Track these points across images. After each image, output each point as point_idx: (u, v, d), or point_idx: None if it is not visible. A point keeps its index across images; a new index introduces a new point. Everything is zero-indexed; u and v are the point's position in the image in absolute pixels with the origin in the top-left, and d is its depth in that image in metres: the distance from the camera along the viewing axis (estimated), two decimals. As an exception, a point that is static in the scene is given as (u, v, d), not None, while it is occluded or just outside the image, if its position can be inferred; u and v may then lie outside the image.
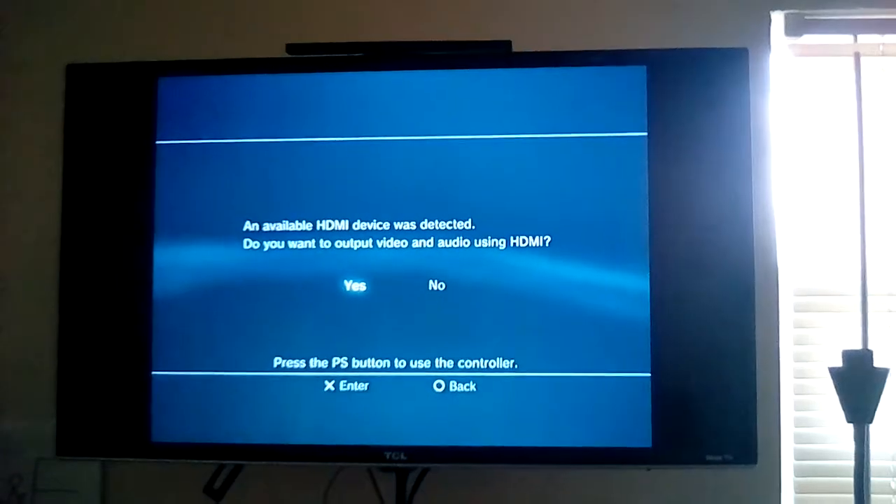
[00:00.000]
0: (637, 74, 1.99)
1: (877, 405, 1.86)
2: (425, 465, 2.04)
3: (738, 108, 1.97)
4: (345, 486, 2.13)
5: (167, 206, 2.04)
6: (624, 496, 2.22)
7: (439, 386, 1.97)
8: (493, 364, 1.96)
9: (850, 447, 1.88)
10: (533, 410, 1.96)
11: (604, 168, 1.98)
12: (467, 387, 1.97)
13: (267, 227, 2.02)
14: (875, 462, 2.10)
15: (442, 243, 1.99)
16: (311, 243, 2.01)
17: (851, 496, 1.87)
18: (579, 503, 2.23)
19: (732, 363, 1.94)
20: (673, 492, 2.19)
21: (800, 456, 2.25)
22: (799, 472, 2.25)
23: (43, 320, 2.13)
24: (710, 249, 1.96)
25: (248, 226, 2.02)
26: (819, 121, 2.31)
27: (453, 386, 1.97)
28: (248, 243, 2.02)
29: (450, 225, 1.99)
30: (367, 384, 1.98)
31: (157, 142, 2.05)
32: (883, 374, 1.86)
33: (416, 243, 1.99)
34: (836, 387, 1.89)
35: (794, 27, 2.30)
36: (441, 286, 1.98)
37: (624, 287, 1.95)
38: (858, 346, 2.16)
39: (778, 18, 2.29)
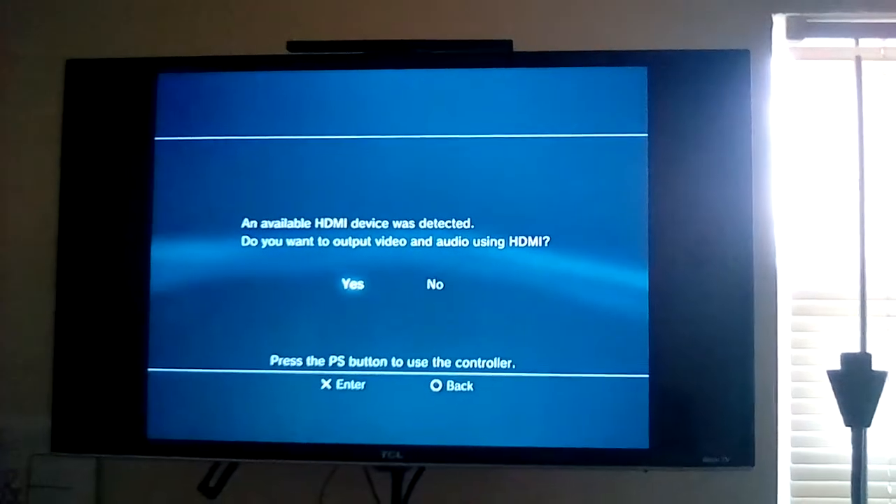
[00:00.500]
0: (638, 75, 1.99)
1: (875, 409, 1.86)
2: (421, 465, 2.03)
3: (739, 111, 1.97)
4: (341, 484, 2.13)
5: (165, 202, 2.03)
6: (621, 498, 2.21)
7: (436, 385, 1.97)
8: (490, 364, 1.96)
9: (847, 450, 1.88)
10: (530, 411, 1.95)
11: (604, 169, 1.98)
12: (464, 386, 1.96)
13: (265, 224, 2.02)
14: (872, 466, 2.10)
15: (441, 242, 1.99)
16: (310, 241, 2.01)
17: (848, 500, 1.87)
18: (576, 504, 2.23)
19: (731, 365, 1.94)
20: (670, 493, 2.19)
21: (797, 459, 2.25)
22: (796, 475, 2.25)
23: (39, 316, 2.13)
24: (709, 252, 1.96)
25: (246, 223, 2.02)
26: (820, 124, 2.31)
27: (450, 385, 1.96)
28: (246, 240, 2.02)
29: (449, 224, 1.99)
30: (363, 383, 1.98)
31: (156, 138, 2.05)
32: (881, 377, 1.86)
33: (415, 242, 1.99)
34: (834, 390, 1.89)
35: (796, 30, 2.30)
36: (439, 285, 1.98)
37: (622, 288, 1.95)
38: (857, 349, 2.16)
39: (779, 21, 2.29)
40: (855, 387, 1.87)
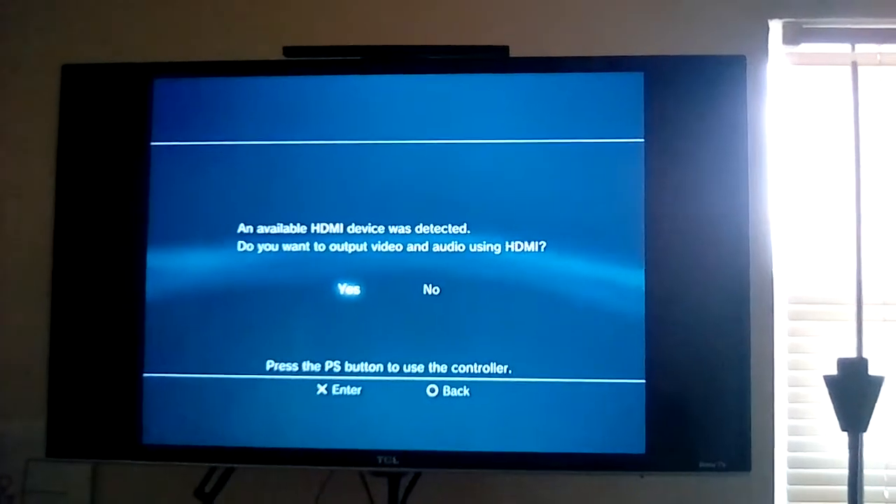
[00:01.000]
0: (634, 81, 1.99)
1: (871, 414, 1.86)
2: (417, 470, 2.03)
3: (736, 116, 1.97)
4: (337, 490, 2.12)
5: (161, 207, 2.03)
6: (617, 503, 2.21)
7: (433, 390, 1.97)
8: (486, 369, 1.96)
9: (843, 455, 1.88)
10: (526, 416, 1.95)
11: (600, 174, 1.98)
12: (461, 391, 1.96)
13: (261, 229, 2.01)
14: (868, 471, 2.09)
15: (437, 247, 1.99)
16: (306, 246, 2.00)
17: (845, 504, 1.87)
18: (572, 510, 2.23)
19: (727, 370, 1.94)
20: (666, 499, 2.18)
21: (793, 464, 2.25)
22: (792, 480, 2.25)
23: (35, 321, 2.12)
24: (705, 257, 1.96)
25: (242, 228, 2.02)
26: (816, 129, 2.32)
27: (447, 390, 1.96)
28: (242, 245, 2.02)
29: (445, 229, 1.99)
30: (360, 388, 1.97)
31: (152, 143, 2.04)
32: (877, 382, 1.86)
33: (411, 247, 1.99)
34: (830, 395, 1.89)
35: (792, 36, 2.30)
36: (435, 290, 1.98)
37: (619, 293, 1.95)
38: (853, 354, 2.16)
39: (776, 27, 2.30)
40: (851, 392, 1.87)
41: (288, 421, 1.99)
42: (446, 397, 1.96)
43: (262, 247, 2.01)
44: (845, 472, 1.87)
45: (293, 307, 2.00)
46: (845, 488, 1.88)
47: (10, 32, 2.38)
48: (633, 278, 1.95)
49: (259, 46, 2.14)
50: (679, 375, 1.94)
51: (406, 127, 2.02)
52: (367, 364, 1.97)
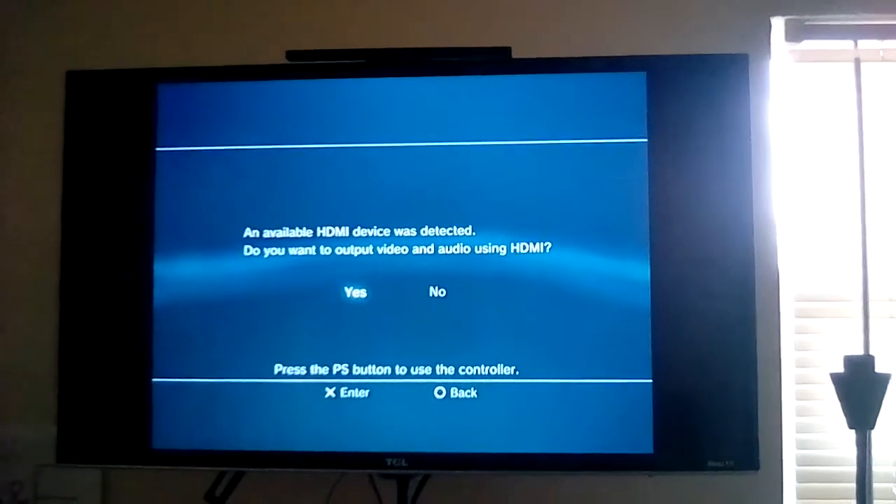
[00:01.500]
0: (637, 80, 1.99)
1: (878, 411, 1.86)
2: (426, 472, 2.03)
3: (739, 114, 1.97)
4: (346, 492, 2.12)
5: (167, 212, 2.04)
6: (626, 503, 2.21)
7: (440, 392, 1.97)
8: (494, 370, 1.96)
9: (851, 453, 1.88)
10: (534, 417, 1.96)
11: (604, 174, 1.98)
12: (468, 393, 1.96)
13: (267, 233, 2.02)
14: (877, 468, 2.10)
15: (442, 250, 1.99)
16: (312, 250, 2.01)
17: (853, 502, 1.87)
18: (581, 510, 2.23)
19: (734, 369, 1.94)
20: (675, 498, 2.18)
21: (802, 461, 2.25)
22: (801, 478, 2.25)
23: (44, 326, 2.13)
24: (711, 256, 1.96)
25: (248, 232, 2.02)
26: (819, 126, 2.31)
27: (454, 392, 1.97)
28: (248, 250, 2.02)
29: (450, 231, 1.99)
30: (367, 391, 1.98)
31: (157, 149, 2.05)
32: (884, 379, 1.86)
33: (417, 250, 1.99)
34: (837, 392, 1.89)
35: (795, 33, 2.30)
36: (442, 293, 1.98)
37: (625, 293, 1.95)
38: (860, 351, 2.16)
39: (778, 24, 2.29)
40: (859, 389, 1.87)
41: (297, 424, 1.99)
42: (454, 399, 1.96)
43: (268, 251, 2.01)
44: (854, 469, 1.87)
45: (300, 311, 2.00)
46: (854, 485, 1.88)
47: (14, 39, 2.38)
48: (639, 278, 1.95)
49: (262, 51, 2.14)
50: (686, 375, 1.94)
51: (410, 129, 2.02)
52: (374, 367, 1.98)
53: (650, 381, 1.93)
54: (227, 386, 2.00)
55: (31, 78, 2.36)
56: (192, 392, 2.01)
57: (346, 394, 1.98)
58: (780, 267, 2.22)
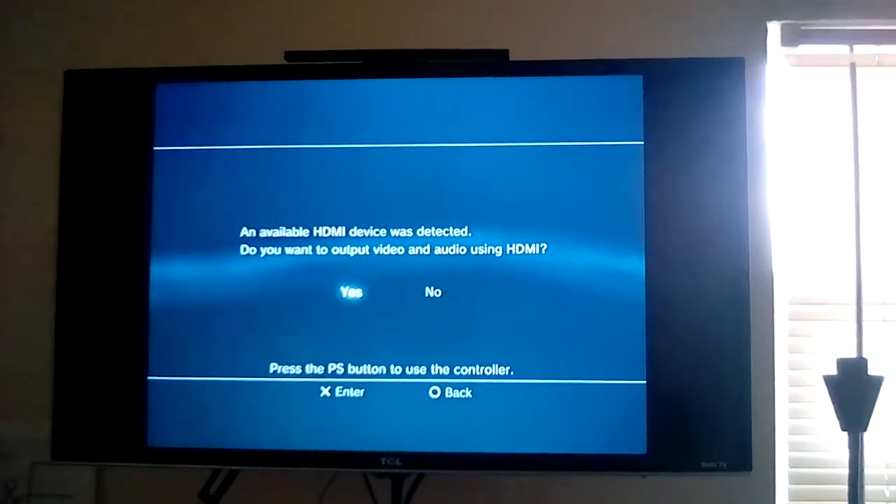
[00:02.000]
0: (633, 83, 2.00)
1: (871, 413, 1.87)
2: (420, 471, 2.04)
3: (735, 118, 1.98)
4: (341, 491, 2.13)
5: (164, 211, 2.04)
6: (619, 503, 2.22)
7: (435, 392, 1.98)
8: (488, 370, 1.97)
9: (844, 455, 1.89)
10: (528, 417, 1.96)
11: (600, 176, 1.99)
12: (463, 393, 1.97)
13: (264, 233, 2.02)
14: (869, 470, 2.10)
15: (438, 250, 2.00)
16: (308, 250, 2.01)
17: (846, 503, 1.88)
18: (574, 510, 2.24)
19: (728, 371, 1.95)
20: (668, 498, 2.19)
21: (794, 463, 2.26)
22: (793, 480, 2.26)
23: (40, 324, 2.13)
24: (705, 258, 1.97)
25: (244, 232, 2.03)
26: (815, 131, 2.32)
27: (449, 392, 1.97)
28: (244, 249, 2.03)
29: (446, 232, 2.00)
30: (363, 390, 1.99)
31: (155, 148, 2.06)
32: (877, 382, 1.87)
33: (413, 250, 2.00)
34: (830, 395, 1.90)
35: (791, 37, 2.31)
36: (437, 293, 1.99)
37: (620, 295, 1.96)
38: (853, 354, 2.17)
39: (774, 29, 2.30)
40: (851, 391, 1.87)
41: (291, 423, 2.00)
42: (449, 399, 1.97)
43: (264, 250, 2.02)
44: (846, 471, 1.88)
45: (296, 310, 2.01)
46: (846, 487, 1.88)
47: (13, 38, 2.39)
48: (634, 280, 1.96)
49: (260, 51, 2.14)
50: (680, 376, 1.95)
51: (407, 130, 2.03)
52: (369, 366, 1.98)
53: (644, 382, 1.94)
54: (222, 384, 2.01)
55: (30, 77, 2.36)
56: (188, 390, 2.01)
57: (342, 393, 1.99)
58: (774, 270, 2.23)
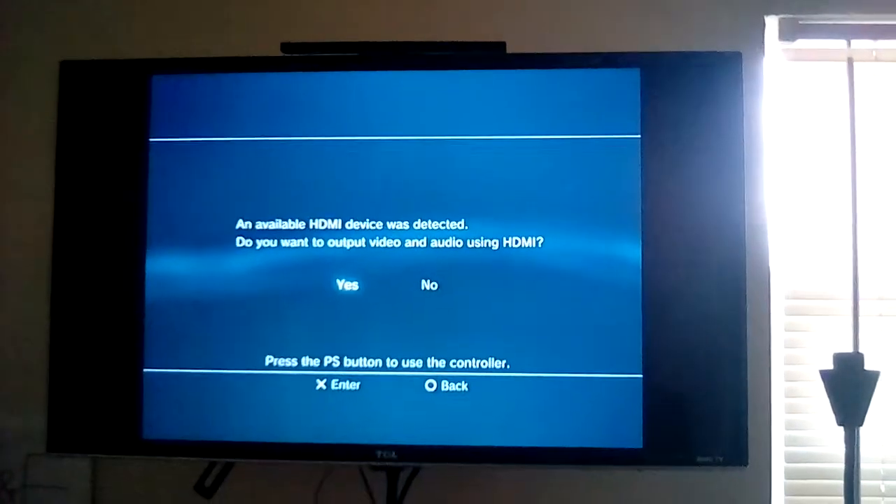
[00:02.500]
0: (631, 77, 2.00)
1: (867, 408, 1.86)
2: (416, 465, 2.04)
3: (732, 112, 1.98)
4: (336, 484, 2.13)
5: (160, 203, 2.04)
6: (615, 497, 2.22)
7: (431, 385, 1.97)
8: (485, 364, 1.97)
9: (840, 450, 1.89)
10: (524, 411, 1.96)
11: (597, 170, 1.99)
12: (459, 386, 1.97)
13: (260, 225, 2.02)
14: (865, 465, 2.11)
15: (435, 243, 1.99)
16: (304, 242, 2.01)
17: (841, 498, 1.87)
18: (570, 504, 2.24)
19: (724, 365, 1.95)
20: (664, 492, 2.19)
21: (790, 458, 2.26)
22: (789, 474, 2.26)
23: (35, 316, 2.13)
24: (702, 252, 1.97)
25: (240, 224, 2.02)
26: (812, 125, 2.32)
27: (445, 385, 1.97)
28: (240, 241, 2.02)
29: (443, 225, 1.99)
30: (358, 383, 1.98)
31: (151, 139, 2.05)
32: (873, 377, 1.87)
33: (409, 243, 2.00)
34: (826, 389, 1.89)
35: (788, 31, 2.30)
36: (433, 286, 1.98)
37: (616, 289, 1.96)
38: (849, 349, 2.17)
39: (772, 23, 2.30)
40: (847, 386, 1.87)
41: (287, 416, 1.99)
42: (445, 392, 1.97)
43: (260, 242, 2.02)
44: (842, 466, 1.88)
45: (292, 303, 2.00)
46: (842, 482, 1.88)
47: (7, 29, 2.38)
48: (631, 274, 1.96)
49: (257, 42, 2.14)
50: (676, 370, 1.95)
51: (404, 123, 2.02)
52: (365, 359, 1.98)
53: (640, 376, 1.94)
54: (217, 377, 2.00)
55: (25, 68, 2.35)
56: (183, 383, 2.01)
57: (337, 386, 1.98)
58: (770, 265, 2.23)
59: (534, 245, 1.98)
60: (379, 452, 1.96)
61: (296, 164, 2.03)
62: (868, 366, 1.87)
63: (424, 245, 1.99)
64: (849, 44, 2.32)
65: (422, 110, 2.02)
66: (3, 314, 2.31)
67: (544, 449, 1.96)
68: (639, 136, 1.98)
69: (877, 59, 2.32)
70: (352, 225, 2.00)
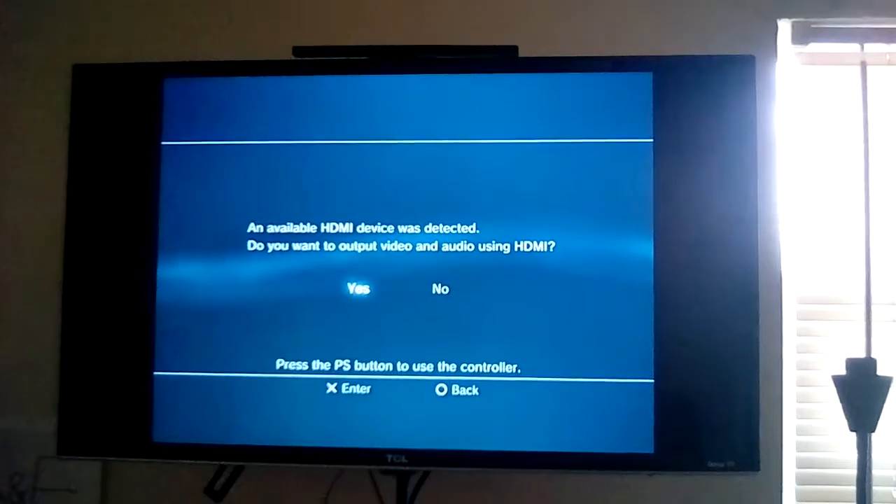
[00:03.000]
0: (643, 81, 1.99)
1: (880, 414, 1.86)
2: (426, 469, 2.03)
3: (744, 116, 1.97)
4: (346, 488, 2.13)
5: (172, 206, 2.04)
6: (626, 502, 2.21)
7: (441, 389, 1.97)
8: (496, 368, 1.96)
9: (852, 456, 1.88)
10: (535, 415, 1.96)
11: (609, 174, 1.98)
12: (470, 391, 1.96)
13: (271, 229, 2.02)
14: (877, 471, 2.09)
15: (446, 247, 1.99)
16: (316, 246, 2.01)
17: (854, 504, 1.87)
18: (580, 509, 2.23)
19: (736, 370, 1.94)
20: (675, 498, 2.19)
21: (802, 464, 2.25)
22: (801, 480, 2.25)
23: (46, 319, 2.13)
24: (714, 257, 1.96)
25: (252, 227, 2.03)
26: (825, 129, 2.31)
27: (456, 390, 1.97)
28: (252, 245, 2.02)
29: (454, 229, 1.99)
30: (369, 387, 1.98)
31: (163, 143, 2.05)
32: (886, 382, 1.86)
33: (421, 247, 1.99)
34: (839, 395, 1.89)
35: (801, 35, 2.30)
36: (445, 290, 1.98)
37: (627, 294, 1.95)
38: (862, 354, 2.16)
39: (785, 26, 2.29)
40: (860, 392, 1.87)
41: (297, 419, 1.99)
42: (455, 396, 1.97)
43: (272, 246, 2.02)
44: (854, 472, 1.87)
45: (303, 306, 2.00)
46: (854, 488, 1.88)
47: (20, 33, 2.39)
48: (642, 279, 1.95)
49: (269, 46, 2.14)
50: (688, 375, 1.94)
51: (415, 127, 2.02)
52: (376, 363, 1.98)
53: (652, 381, 1.93)
54: (228, 380, 2.00)
55: (38, 72, 2.36)
56: (194, 386, 2.01)
57: (348, 390, 1.98)
58: (783, 269, 2.22)
59: (545, 249, 1.97)
60: (389, 456, 1.96)
61: (307, 167, 2.03)
62: (881, 371, 1.87)
63: (436, 249, 1.99)
64: (862, 47, 2.31)
65: (433, 114, 2.02)
66: (14, 317, 2.32)
67: (554, 454, 1.95)
68: (651, 140, 1.97)
69: (890, 63, 2.30)
70: (363, 229, 2.00)
